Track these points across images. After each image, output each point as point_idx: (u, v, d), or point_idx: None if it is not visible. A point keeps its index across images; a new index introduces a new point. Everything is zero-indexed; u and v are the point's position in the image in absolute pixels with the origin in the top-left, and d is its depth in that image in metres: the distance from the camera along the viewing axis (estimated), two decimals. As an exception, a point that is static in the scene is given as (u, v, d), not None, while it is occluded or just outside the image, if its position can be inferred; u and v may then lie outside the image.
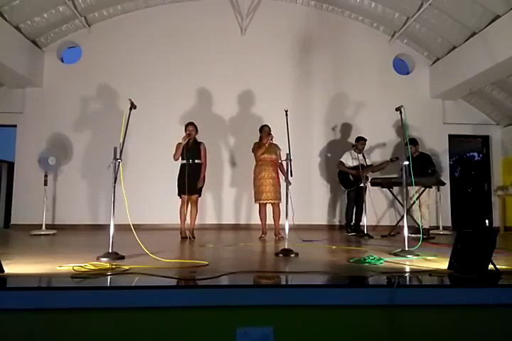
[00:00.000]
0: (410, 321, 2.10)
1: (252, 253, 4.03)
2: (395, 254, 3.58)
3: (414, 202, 6.03)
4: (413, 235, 5.14)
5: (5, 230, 7.34)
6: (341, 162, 6.62)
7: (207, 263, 2.98)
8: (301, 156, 6.99)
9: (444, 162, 7.95)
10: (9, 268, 2.55)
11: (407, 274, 2.67)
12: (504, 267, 2.68)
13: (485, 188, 8.28)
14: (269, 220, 5.56)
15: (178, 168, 5.44)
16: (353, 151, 6.60)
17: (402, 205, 5.19)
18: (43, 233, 6.09)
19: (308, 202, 7.47)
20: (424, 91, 8.07)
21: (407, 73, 8.35)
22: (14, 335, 1.97)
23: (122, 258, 3.21)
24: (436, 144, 7.90)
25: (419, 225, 5.26)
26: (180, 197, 5.40)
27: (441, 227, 7.20)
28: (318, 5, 8.03)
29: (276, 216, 5.43)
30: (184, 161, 5.36)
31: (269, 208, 5.56)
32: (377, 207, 6.93)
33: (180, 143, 5.35)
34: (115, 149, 3.46)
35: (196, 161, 5.39)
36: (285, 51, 7.91)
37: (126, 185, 3.42)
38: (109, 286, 2.27)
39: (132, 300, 2.01)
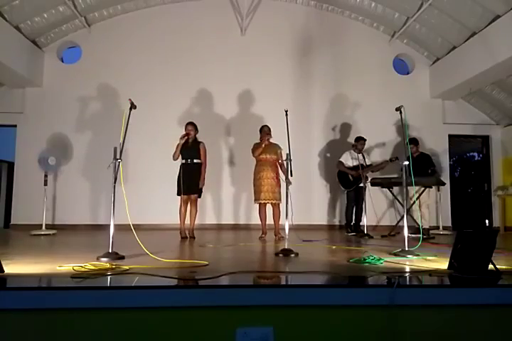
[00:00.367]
0: (410, 321, 2.09)
1: (252, 253, 4.03)
2: (395, 254, 3.58)
3: (414, 202, 6.03)
4: (413, 235, 5.14)
5: (5, 230, 7.35)
6: (341, 162, 6.62)
7: (207, 263, 2.98)
8: (301, 156, 7.00)
9: (444, 162, 7.96)
10: (9, 268, 2.55)
11: (407, 274, 2.66)
12: (504, 267, 2.68)
13: (485, 188, 8.29)
14: (269, 220, 5.56)
15: (178, 167, 5.44)
16: (352, 151, 6.61)
17: (402, 205, 5.19)
18: (43, 233, 6.09)
19: (308, 202, 7.47)
20: (424, 91, 8.07)
21: (407, 73, 8.35)
22: (14, 335, 1.97)
23: (122, 258, 3.21)
24: (436, 144, 7.91)
25: (419, 225, 5.26)
26: (180, 197, 5.39)
27: (441, 227, 7.20)
28: (318, 5, 8.03)
29: (276, 216, 5.43)
30: (183, 161, 5.36)
31: (269, 208, 5.56)
32: (377, 207, 6.93)
33: (179, 143, 5.36)
34: (115, 149, 3.46)
35: (195, 161, 5.38)
36: (285, 51, 7.91)
37: (126, 185, 3.42)
38: (109, 286, 2.27)
39: (132, 300, 2.01)
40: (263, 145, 5.44)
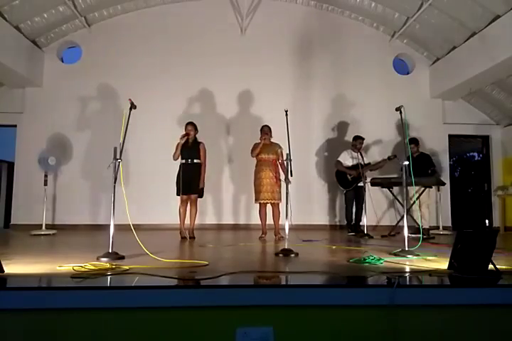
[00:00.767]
0: (410, 321, 2.09)
1: (252, 253, 4.03)
2: (395, 254, 3.58)
3: (414, 202, 6.03)
4: (413, 235, 5.14)
5: (5, 230, 7.34)
6: (339, 161, 6.61)
7: (207, 263, 2.98)
8: (301, 156, 7.00)
9: (444, 162, 7.96)
10: (9, 268, 2.55)
11: (407, 274, 2.66)
12: (504, 267, 2.68)
13: (485, 188, 8.29)
14: (269, 220, 5.56)
15: (177, 167, 5.43)
16: (351, 150, 6.60)
17: (402, 205, 5.19)
18: (43, 233, 6.09)
19: (308, 202, 7.47)
20: (424, 91, 8.07)
21: (407, 73, 8.35)
22: (14, 335, 1.97)
23: (122, 258, 3.21)
24: (436, 144, 7.90)
25: (419, 225, 5.26)
26: (179, 197, 5.39)
27: (441, 227, 7.20)
28: (318, 5, 8.03)
29: (276, 216, 5.43)
30: (183, 161, 5.35)
31: (269, 208, 5.56)
32: (377, 207, 6.93)
33: (179, 143, 5.36)
34: (115, 149, 3.46)
35: (195, 161, 5.38)
36: (285, 51, 7.91)
37: (126, 185, 3.42)
38: (109, 286, 2.27)
39: (132, 300, 2.01)
40: (261, 145, 5.44)
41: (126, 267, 2.71)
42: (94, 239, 5.51)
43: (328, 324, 2.05)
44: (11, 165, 7.82)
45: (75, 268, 2.64)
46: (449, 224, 7.66)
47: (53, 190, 7.24)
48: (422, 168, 6.06)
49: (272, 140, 5.58)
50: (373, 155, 7.48)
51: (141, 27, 7.74)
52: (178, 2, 7.86)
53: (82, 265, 2.74)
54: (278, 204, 5.44)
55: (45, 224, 6.33)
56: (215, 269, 2.67)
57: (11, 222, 7.25)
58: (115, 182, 3.45)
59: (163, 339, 2.00)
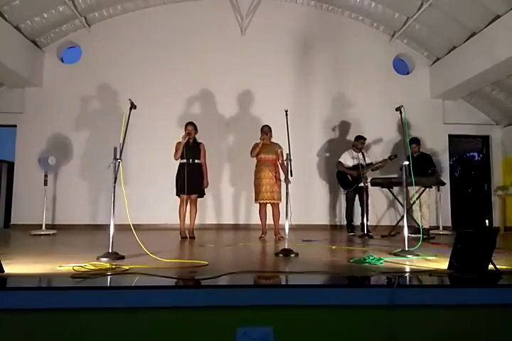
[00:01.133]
0: (410, 321, 2.10)
1: (252, 253, 4.03)
2: (395, 254, 3.58)
3: (414, 202, 6.03)
4: (413, 235, 5.13)
5: (5, 230, 7.34)
6: (340, 162, 6.61)
7: (207, 263, 2.98)
8: (301, 156, 7.00)
9: (444, 162, 7.95)
10: (9, 268, 2.55)
11: (407, 274, 2.66)
12: (504, 267, 2.68)
13: (485, 188, 8.29)
14: (269, 220, 5.56)
15: (177, 167, 5.43)
16: (352, 150, 6.60)
17: (402, 205, 5.19)
18: (43, 233, 6.09)
19: (308, 201, 7.47)
20: (424, 91, 8.07)
21: (407, 73, 8.35)
22: (14, 335, 1.97)
23: (122, 258, 3.21)
24: (436, 144, 7.90)
25: (419, 225, 5.26)
26: (179, 197, 5.39)
27: (441, 227, 7.20)
28: (318, 5, 8.03)
29: (276, 216, 5.43)
30: (184, 161, 5.34)
31: (269, 208, 5.56)
32: (377, 207, 6.94)
33: (179, 143, 5.35)
34: (115, 149, 3.46)
35: (196, 161, 5.39)
36: (285, 51, 7.91)
37: (126, 185, 3.42)
38: (109, 286, 2.27)
39: (132, 300, 2.01)
40: (260, 145, 5.44)
41: (126, 267, 2.71)
42: (94, 239, 5.51)
43: (328, 324, 2.05)
44: (11, 165, 7.82)
45: (75, 268, 2.64)
46: (449, 224, 7.66)
47: (53, 190, 7.24)
48: (423, 168, 6.06)
49: (272, 140, 5.58)
50: (374, 155, 7.47)
51: (141, 27, 7.74)
52: (178, 2, 7.86)
53: (82, 265, 2.74)
54: (278, 204, 5.44)
55: (45, 224, 6.33)
56: (215, 269, 2.67)
57: (11, 222, 7.25)
58: (115, 182, 3.45)
59: (163, 339, 2.00)
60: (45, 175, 6.51)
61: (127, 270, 2.64)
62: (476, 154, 9.69)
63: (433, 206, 7.01)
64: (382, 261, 3.09)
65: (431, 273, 2.57)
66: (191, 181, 5.23)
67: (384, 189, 6.79)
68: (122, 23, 7.76)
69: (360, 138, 6.63)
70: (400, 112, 3.96)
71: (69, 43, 7.82)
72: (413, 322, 2.10)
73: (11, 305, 1.96)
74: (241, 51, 7.80)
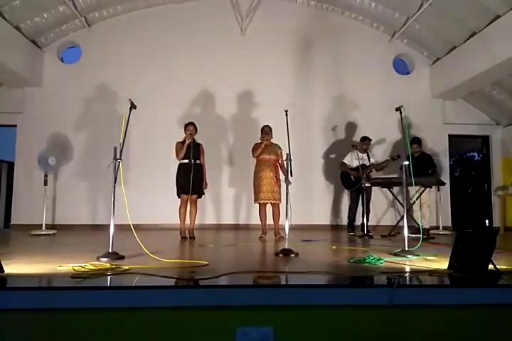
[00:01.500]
0: (410, 321, 2.09)
1: (252, 254, 4.03)
2: (395, 254, 3.58)
3: (414, 202, 6.03)
4: (413, 235, 5.13)
5: (5, 230, 7.34)
6: (343, 163, 6.63)
7: (207, 263, 2.97)
8: (301, 156, 7.00)
9: (444, 162, 7.96)
10: (9, 268, 2.55)
11: (407, 274, 2.66)
12: (504, 267, 2.68)
13: (485, 188, 8.29)
14: (269, 220, 5.56)
15: (177, 167, 5.42)
16: (357, 151, 6.58)
17: (402, 205, 5.18)
18: (43, 233, 6.09)
19: (309, 202, 7.46)
20: (425, 91, 8.07)
21: (407, 73, 8.35)
22: (14, 335, 1.97)
23: (122, 258, 3.21)
24: (436, 144, 7.91)
25: (419, 225, 5.25)
26: (179, 197, 5.39)
27: (441, 227, 7.20)
28: (318, 5, 8.03)
29: (276, 216, 5.43)
30: (186, 161, 5.33)
31: (269, 208, 5.56)
32: (377, 207, 6.93)
33: (180, 142, 5.36)
34: (115, 149, 3.46)
35: (197, 161, 5.39)
36: (285, 51, 7.91)
37: (126, 185, 3.42)
38: (109, 286, 2.27)
39: (132, 300, 2.01)
40: (262, 146, 5.44)
41: (126, 267, 2.71)
42: (94, 239, 5.51)
43: (328, 324, 2.05)
44: (11, 165, 7.82)
45: (75, 268, 2.64)
46: (449, 224, 7.66)
47: (53, 190, 7.24)
48: (423, 168, 6.06)
49: (272, 140, 5.58)
50: (374, 155, 7.47)
51: (141, 27, 7.74)
52: (178, 2, 7.86)
53: (82, 265, 2.74)
54: (278, 204, 5.44)
55: (45, 224, 6.33)
56: (215, 269, 2.67)
57: (11, 222, 7.25)
58: (115, 182, 3.45)
59: (163, 339, 2.00)
60: (45, 175, 6.51)
61: (127, 270, 2.64)
62: (476, 154, 9.70)
63: (433, 206, 7.01)
64: (382, 261, 3.08)
65: (431, 273, 2.57)
66: (196, 181, 5.24)
67: (384, 189, 6.80)
68: (122, 23, 7.76)
69: (365, 139, 6.64)
70: (400, 112, 3.95)
71: (69, 43, 7.83)
72: (413, 322, 2.10)
73: (11, 305, 1.96)
74: (241, 51, 7.80)
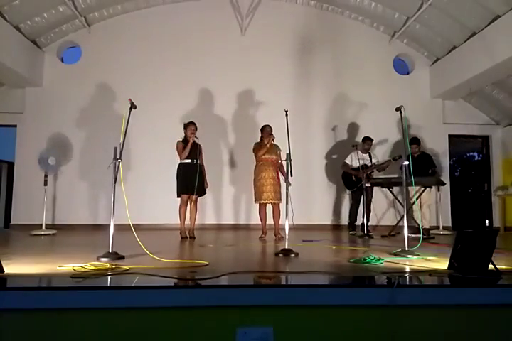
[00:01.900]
0: (410, 321, 2.10)
1: (252, 253, 4.03)
2: (395, 254, 3.58)
3: (414, 202, 6.03)
4: (413, 235, 5.13)
5: (5, 230, 7.34)
6: (345, 163, 6.65)
7: (207, 263, 2.98)
8: (301, 156, 7.00)
9: (444, 162, 7.95)
10: (9, 268, 2.55)
11: (407, 274, 2.66)
12: (504, 267, 2.68)
13: (485, 188, 8.29)
14: (269, 220, 5.56)
15: (177, 167, 5.42)
16: (358, 152, 6.58)
17: (402, 205, 5.19)
18: (43, 233, 6.09)
19: (309, 202, 7.46)
20: (424, 91, 8.07)
21: (407, 73, 8.35)
22: (14, 335, 1.97)
23: (122, 258, 3.21)
24: (436, 144, 7.91)
25: (419, 225, 5.26)
26: (179, 197, 5.38)
27: (441, 227, 7.20)
28: (318, 5, 8.03)
29: (276, 216, 5.43)
30: (187, 161, 5.33)
31: (269, 208, 5.55)
32: (377, 207, 6.92)
33: (181, 142, 5.37)
34: (115, 149, 3.46)
35: (198, 161, 5.39)
36: (285, 51, 7.91)
37: (126, 185, 3.42)
38: (109, 286, 2.27)
39: (132, 300, 2.01)
40: (267, 146, 5.42)
41: (126, 267, 2.71)
42: (94, 239, 5.51)
43: (328, 324, 2.05)
44: (11, 165, 7.82)
45: (75, 268, 2.64)
46: (449, 224, 7.66)
47: (53, 190, 7.24)
48: (423, 168, 6.06)
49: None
50: (376, 155, 7.47)
51: (141, 27, 7.74)
52: (178, 2, 7.86)
53: (82, 265, 2.74)
54: (279, 204, 5.44)
55: (45, 224, 6.33)
56: (215, 269, 2.67)
57: (11, 222, 7.25)
58: (115, 182, 3.45)
59: (163, 339, 2.00)
60: (45, 175, 6.51)
61: (127, 270, 2.64)
62: (476, 154, 9.69)
63: (433, 206, 7.01)
64: (382, 261, 3.09)
65: (431, 273, 2.57)
66: (200, 181, 5.24)
67: (384, 189, 6.80)
68: (122, 23, 7.76)
69: (367, 139, 6.65)
70: (400, 112, 3.95)
71: (69, 43, 7.82)
72: (413, 322, 2.10)
73: (11, 305, 1.96)
74: (241, 51, 7.80)
